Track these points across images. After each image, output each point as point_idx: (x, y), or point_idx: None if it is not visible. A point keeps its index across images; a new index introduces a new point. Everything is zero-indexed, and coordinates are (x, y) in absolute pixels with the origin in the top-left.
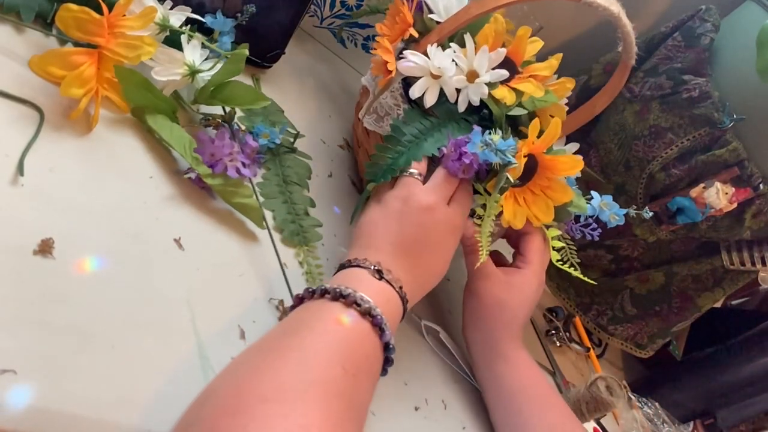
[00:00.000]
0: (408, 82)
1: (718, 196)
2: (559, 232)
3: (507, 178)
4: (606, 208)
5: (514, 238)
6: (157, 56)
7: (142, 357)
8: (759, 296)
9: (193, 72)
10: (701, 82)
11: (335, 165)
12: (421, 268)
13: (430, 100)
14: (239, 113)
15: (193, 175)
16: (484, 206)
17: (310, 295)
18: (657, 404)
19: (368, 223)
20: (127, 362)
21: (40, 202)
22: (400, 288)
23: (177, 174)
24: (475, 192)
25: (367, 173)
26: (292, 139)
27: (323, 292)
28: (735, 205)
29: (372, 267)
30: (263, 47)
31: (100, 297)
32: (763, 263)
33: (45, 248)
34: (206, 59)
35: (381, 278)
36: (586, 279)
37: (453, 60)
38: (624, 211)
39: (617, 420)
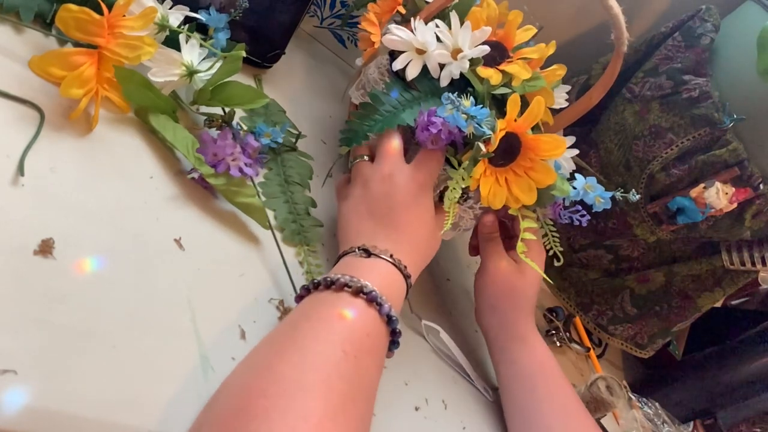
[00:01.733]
0: (394, 58)
1: (718, 196)
2: (534, 225)
3: (481, 150)
4: (591, 190)
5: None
6: (154, 57)
7: (142, 357)
8: (759, 296)
9: (191, 72)
10: (701, 82)
11: (336, 165)
12: (407, 233)
13: (412, 73)
14: (241, 114)
15: (196, 175)
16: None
17: (306, 291)
18: (657, 404)
19: (342, 220)
20: (127, 362)
21: (41, 202)
22: (391, 256)
23: (178, 174)
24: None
25: (342, 139)
26: (293, 139)
27: (316, 285)
28: (735, 205)
29: (357, 249)
30: (263, 47)
31: (101, 297)
32: (763, 263)
33: (45, 248)
34: (204, 59)
35: (369, 255)
36: (560, 262)
37: (436, 35)
38: (610, 193)
39: (617, 420)
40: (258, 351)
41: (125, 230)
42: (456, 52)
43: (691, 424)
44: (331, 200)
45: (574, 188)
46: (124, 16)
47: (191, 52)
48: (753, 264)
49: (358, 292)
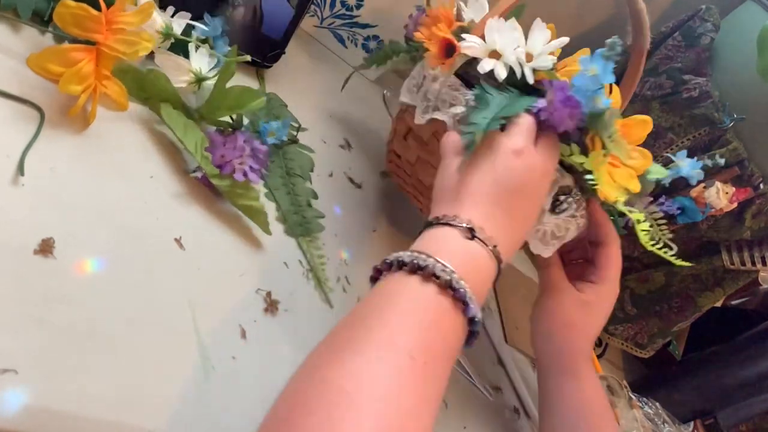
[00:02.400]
0: (458, 74)
1: (718, 195)
2: (641, 216)
3: (613, 124)
4: (684, 164)
5: (591, 248)
6: (163, 63)
7: (142, 357)
8: (759, 296)
9: (200, 79)
10: (701, 82)
11: (336, 165)
12: (516, 222)
13: (501, 74)
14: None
15: (199, 174)
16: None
17: (388, 267)
18: (657, 404)
19: (456, 175)
20: (127, 362)
21: (41, 202)
22: (494, 247)
23: (178, 174)
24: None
25: (464, 135)
26: (294, 132)
27: (401, 264)
28: (735, 205)
29: (463, 225)
30: (264, 47)
31: (101, 297)
32: (763, 263)
33: (45, 248)
34: (213, 67)
35: (473, 237)
36: (679, 262)
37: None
38: (699, 164)
39: (617, 420)
40: (328, 345)
41: (125, 230)
42: (527, 57)
43: (691, 424)
44: (331, 193)
45: (672, 168)
46: (122, 11)
47: (200, 59)
48: (753, 264)
49: (447, 286)
